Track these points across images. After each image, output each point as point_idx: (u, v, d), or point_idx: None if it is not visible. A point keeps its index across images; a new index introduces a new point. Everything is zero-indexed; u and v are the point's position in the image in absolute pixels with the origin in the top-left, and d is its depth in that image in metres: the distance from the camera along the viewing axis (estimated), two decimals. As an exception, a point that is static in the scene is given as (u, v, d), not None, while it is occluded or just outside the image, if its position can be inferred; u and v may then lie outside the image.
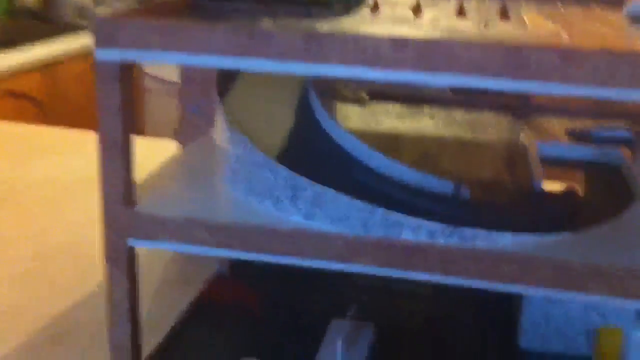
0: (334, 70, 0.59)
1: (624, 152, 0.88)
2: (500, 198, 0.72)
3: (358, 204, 0.64)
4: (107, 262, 0.68)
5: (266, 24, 0.71)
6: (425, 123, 0.92)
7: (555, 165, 0.86)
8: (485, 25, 0.69)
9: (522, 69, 0.56)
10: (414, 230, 0.63)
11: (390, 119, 0.94)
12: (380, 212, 0.63)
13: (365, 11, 0.79)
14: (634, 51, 0.55)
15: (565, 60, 0.55)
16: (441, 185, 0.71)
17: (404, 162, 0.74)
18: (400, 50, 0.58)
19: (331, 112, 0.79)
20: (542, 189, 0.75)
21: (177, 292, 0.94)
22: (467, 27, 0.70)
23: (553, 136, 0.92)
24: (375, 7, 0.84)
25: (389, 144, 0.86)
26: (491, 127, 0.93)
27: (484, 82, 0.57)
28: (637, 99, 0.55)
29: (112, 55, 0.62)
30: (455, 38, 0.58)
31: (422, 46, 0.57)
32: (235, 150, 0.72)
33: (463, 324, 0.85)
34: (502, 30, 0.69)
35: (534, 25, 0.77)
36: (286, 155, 0.72)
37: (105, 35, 0.62)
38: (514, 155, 0.86)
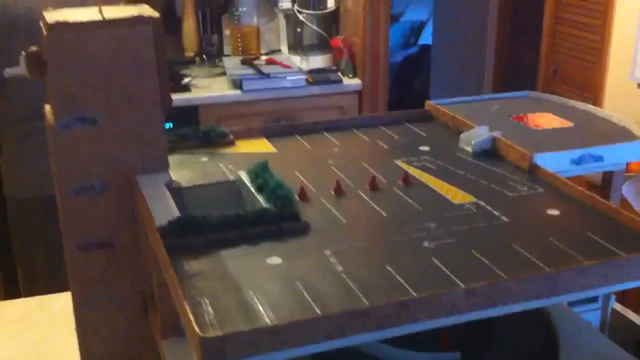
0: (421, 326, 0.69)
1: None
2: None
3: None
4: None
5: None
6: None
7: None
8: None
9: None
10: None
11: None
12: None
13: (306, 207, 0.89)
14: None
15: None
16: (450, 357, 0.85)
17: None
18: (471, 296, 0.70)
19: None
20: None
21: None
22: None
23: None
24: (303, 196, 0.93)
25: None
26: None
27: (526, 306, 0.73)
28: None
29: (221, 368, 0.63)
30: (505, 280, 0.72)
31: (487, 290, 0.70)
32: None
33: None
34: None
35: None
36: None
37: (214, 353, 0.62)
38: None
